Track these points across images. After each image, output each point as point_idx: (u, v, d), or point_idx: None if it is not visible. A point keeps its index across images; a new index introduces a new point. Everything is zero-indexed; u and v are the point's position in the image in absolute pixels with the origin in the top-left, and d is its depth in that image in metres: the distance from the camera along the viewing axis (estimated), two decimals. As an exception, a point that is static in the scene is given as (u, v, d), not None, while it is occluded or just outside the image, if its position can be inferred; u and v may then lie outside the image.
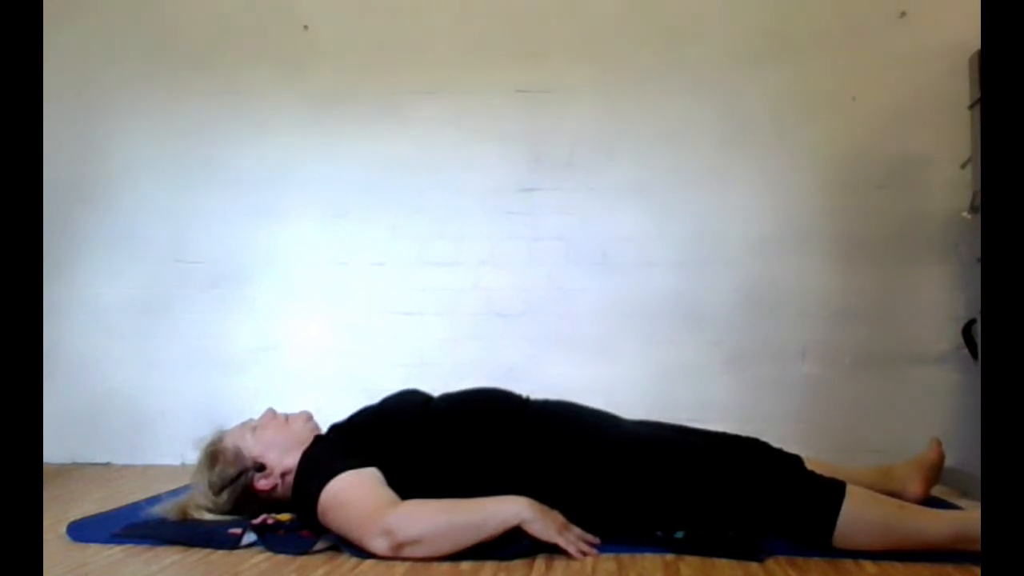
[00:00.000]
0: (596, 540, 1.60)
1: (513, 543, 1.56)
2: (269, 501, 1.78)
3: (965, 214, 2.35)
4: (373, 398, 1.90)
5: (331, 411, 1.87)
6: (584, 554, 1.54)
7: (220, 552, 1.61)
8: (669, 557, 1.54)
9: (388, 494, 1.58)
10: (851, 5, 2.63)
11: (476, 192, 2.74)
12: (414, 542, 1.51)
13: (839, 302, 2.59)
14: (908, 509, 1.56)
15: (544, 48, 2.74)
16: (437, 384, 1.94)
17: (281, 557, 1.57)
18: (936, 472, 1.96)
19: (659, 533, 1.61)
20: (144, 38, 2.89)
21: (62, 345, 2.79)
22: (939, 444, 1.98)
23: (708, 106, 2.67)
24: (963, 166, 2.39)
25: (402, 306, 2.75)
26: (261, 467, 1.78)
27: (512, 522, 1.54)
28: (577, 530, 1.60)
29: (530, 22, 2.75)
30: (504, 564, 1.50)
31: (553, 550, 1.55)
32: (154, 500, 1.91)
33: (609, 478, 1.64)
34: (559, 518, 1.59)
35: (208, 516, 1.76)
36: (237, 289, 2.81)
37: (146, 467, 2.70)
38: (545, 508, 1.58)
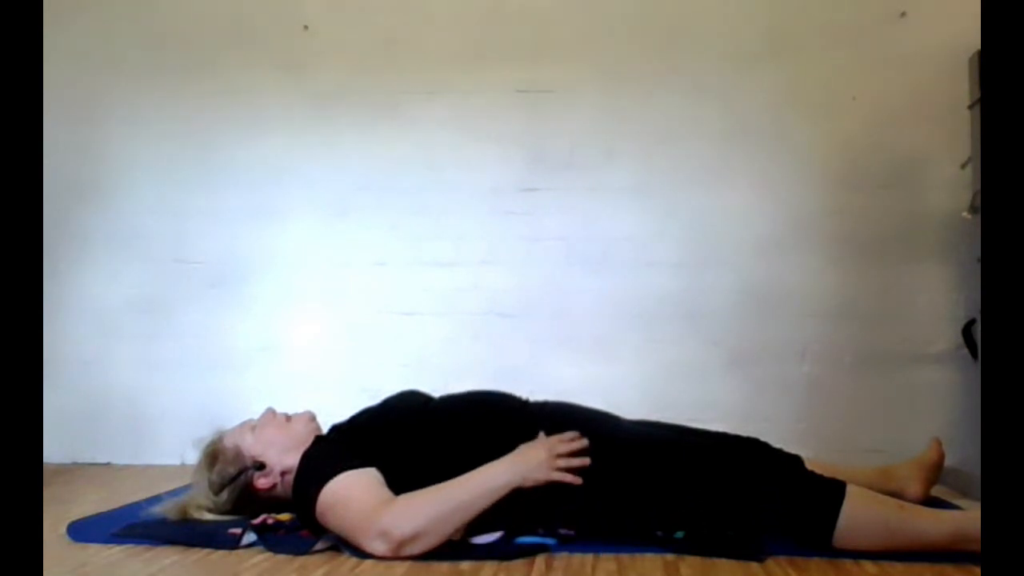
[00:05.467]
0: (581, 445, 1.61)
1: (513, 543, 1.57)
2: (269, 500, 1.78)
3: (965, 214, 2.34)
4: (373, 398, 1.90)
5: (331, 411, 1.87)
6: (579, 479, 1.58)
7: (220, 552, 1.61)
8: (669, 557, 1.54)
9: (386, 494, 1.58)
10: (851, 5, 2.63)
11: (476, 192, 2.74)
12: (414, 538, 1.51)
13: (839, 302, 2.59)
14: (908, 509, 1.57)
15: (544, 48, 2.74)
16: (437, 384, 1.94)
17: (281, 557, 1.57)
18: (936, 472, 1.96)
19: (659, 533, 1.61)
20: (144, 38, 2.89)
21: (62, 345, 2.79)
22: (939, 444, 1.98)
23: (708, 106, 2.67)
24: (963, 166, 2.39)
25: (402, 306, 2.76)
26: (261, 466, 1.78)
27: (504, 492, 1.56)
28: (561, 448, 1.61)
29: (530, 22, 2.75)
30: (504, 564, 1.50)
31: (553, 550, 1.56)
32: (154, 500, 1.90)
33: (609, 478, 1.63)
34: (540, 455, 1.60)
35: (208, 516, 1.76)
36: (237, 289, 2.81)
37: (146, 467, 2.70)
38: (525, 454, 1.60)
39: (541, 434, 1.66)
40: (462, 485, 1.57)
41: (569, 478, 1.58)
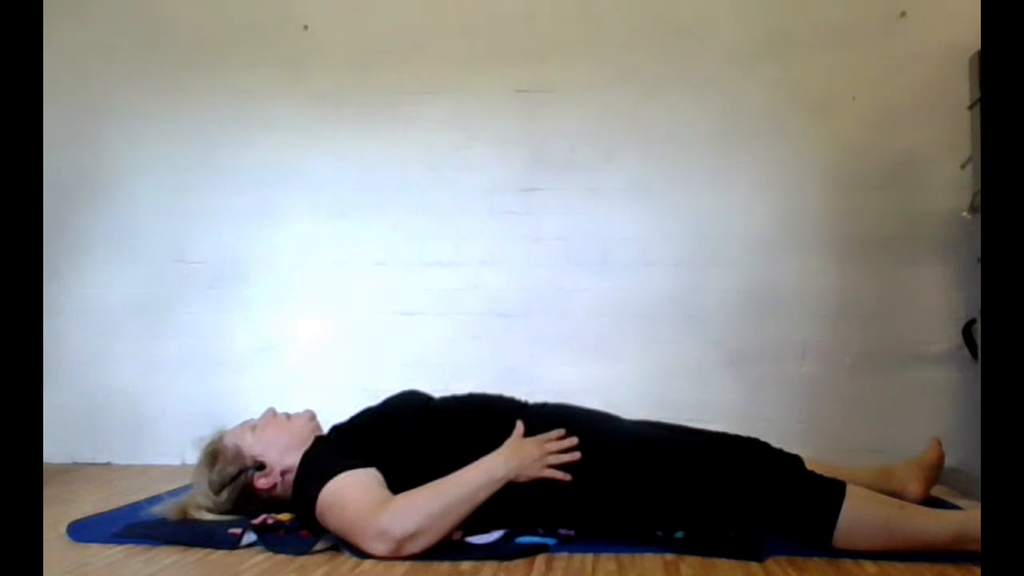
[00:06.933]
0: (571, 443, 1.64)
1: (513, 543, 1.57)
2: (269, 500, 1.78)
3: (965, 214, 2.35)
4: (373, 398, 1.90)
5: (331, 411, 1.87)
6: (568, 475, 1.60)
7: (220, 552, 1.61)
8: (669, 557, 1.54)
9: (385, 494, 1.58)
10: (851, 5, 2.63)
11: (476, 192, 2.74)
12: (413, 536, 1.51)
13: (839, 302, 2.59)
14: (908, 509, 1.57)
15: (544, 48, 2.74)
16: (437, 384, 1.94)
17: (281, 557, 1.57)
18: (936, 472, 1.96)
19: (659, 533, 1.62)
20: (144, 38, 2.89)
21: (62, 345, 2.79)
22: (939, 444, 1.98)
23: (708, 106, 2.67)
24: (963, 166, 2.40)
25: (402, 306, 2.76)
26: (261, 466, 1.78)
27: (500, 486, 1.58)
28: (552, 446, 1.63)
29: (530, 22, 2.75)
30: (504, 564, 1.50)
31: (553, 550, 1.56)
32: (154, 500, 1.91)
33: (609, 479, 1.64)
34: (533, 451, 1.62)
35: (208, 516, 1.76)
36: (237, 289, 2.81)
37: (146, 467, 2.70)
38: (519, 450, 1.62)
39: (519, 424, 1.67)
40: (459, 481, 1.58)
41: (560, 475, 1.61)
